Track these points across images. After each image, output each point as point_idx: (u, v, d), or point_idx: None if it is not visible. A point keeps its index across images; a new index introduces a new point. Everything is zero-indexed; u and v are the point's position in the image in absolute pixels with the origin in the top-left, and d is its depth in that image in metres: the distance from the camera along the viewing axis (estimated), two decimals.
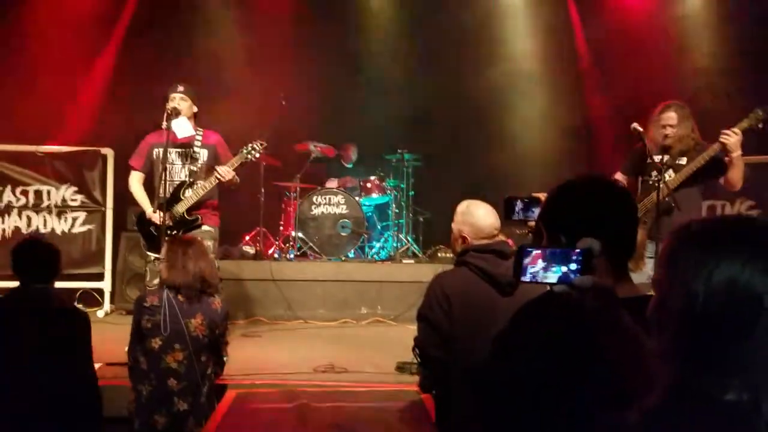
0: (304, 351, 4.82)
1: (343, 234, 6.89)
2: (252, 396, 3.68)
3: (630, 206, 1.62)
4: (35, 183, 6.42)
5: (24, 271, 3.12)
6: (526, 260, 1.28)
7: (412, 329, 2.89)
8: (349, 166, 7.81)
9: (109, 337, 4.34)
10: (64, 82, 7.06)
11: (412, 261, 6.92)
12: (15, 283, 3.17)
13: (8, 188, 6.36)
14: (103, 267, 6.43)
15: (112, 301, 6.42)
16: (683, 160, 4.38)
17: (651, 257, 3.73)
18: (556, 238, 1.50)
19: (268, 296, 6.21)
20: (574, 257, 1.24)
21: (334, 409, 3.43)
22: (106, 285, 6.40)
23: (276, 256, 6.83)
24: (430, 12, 7.92)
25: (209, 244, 4.41)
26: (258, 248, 6.86)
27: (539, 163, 7.47)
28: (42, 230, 6.32)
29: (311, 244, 6.81)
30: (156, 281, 4.40)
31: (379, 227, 7.49)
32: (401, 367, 4.18)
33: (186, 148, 4.74)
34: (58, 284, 3.40)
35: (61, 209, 6.43)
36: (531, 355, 1.45)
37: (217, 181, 4.60)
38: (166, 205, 4.49)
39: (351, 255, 6.92)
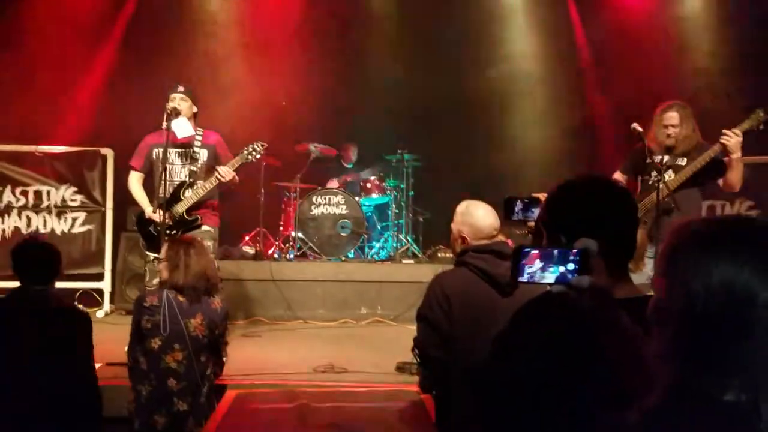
0: (304, 351, 4.82)
1: (342, 234, 6.89)
2: (252, 396, 3.67)
3: (630, 206, 1.62)
4: (35, 183, 6.42)
5: (24, 271, 3.12)
6: (524, 260, 1.28)
7: (412, 329, 2.89)
8: (349, 166, 7.81)
9: (109, 337, 4.33)
10: (63, 82, 7.06)
11: (411, 261, 6.92)
12: (15, 284, 3.17)
13: (8, 188, 6.36)
14: (103, 267, 6.43)
15: (111, 302, 6.42)
16: (683, 161, 4.38)
17: (651, 257, 3.73)
18: (556, 238, 1.50)
19: (268, 296, 6.21)
20: (572, 257, 1.24)
21: (334, 409, 3.43)
22: (105, 285, 6.40)
23: (276, 256, 6.83)
24: (431, 12, 7.92)
25: (209, 244, 4.41)
26: (258, 248, 6.86)
27: (539, 163, 7.47)
28: (42, 230, 6.31)
29: (311, 244, 6.81)
30: (155, 281, 4.39)
31: (378, 227, 7.49)
32: (401, 368, 4.18)
33: (186, 148, 4.74)
34: (58, 284, 3.40)
35: (61, 209, 6.43)
36: (531, 355, 1.45)
37: (217, 181, 4.61)
38: (166, 205, 4.49)
39: (351, 255, 6.92)
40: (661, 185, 4.21)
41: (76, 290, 6.26)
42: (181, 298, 3.44)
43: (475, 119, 7.80)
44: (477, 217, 2.85)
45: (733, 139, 4.10)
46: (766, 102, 4.25)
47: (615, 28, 7.51)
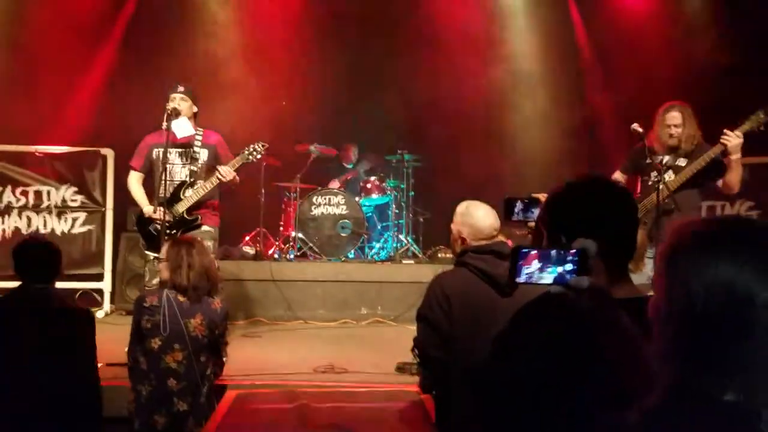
0: (304, 351, 4.82)
1: (343, 234, 6.89)
2: (252, 396, 3.67)
3: (630, 206, 1.62)
4: (35, 183, 6.42)
5: (25, 270, 3.12)
6: (521, 261, 1.28)
7: (412, 330, 2.89)
8: (350, 166, 7.82)
9: (109, 338, 4.33)
10: (64, 82, 7.07)
11: (412, 261, 6.93)
12: (15, 284, 3.17)
13: (8, 189, 6.37)
14: (103, 267, 6.43)
15: (112, 302, 6.42)
16: (683, 161, 4.38)
17: (651, 258, 3.74)
18: (556, 238, 1.50)
19: (268, 297, 6.21)
20: (570, 258, 1.24)
21: (334, 409, 3.43)
22: (105, 285, 6.40)
23: (276, 256, 6.83)
24: (431, 12, 7.92)
25: (209, 244, 4.40)
26: (258, 248, 6.86)
27: (539, 163, 7.48)
28: (42, 231, 6.31)
29: (311, 244, 6.81)
30: (155, 281, 4.40)
31: (379, 228, 7.49)
32: (401, 368, 4.18)
33: (186, 148, 4.75)
34: (58, 285, 3.40)
35: (61, 210, 6.43)
36: (530, 355, 1.45)
37: (218, 181, 4.61)
38: (166, 204, 4.49)
39: (351, 255, 6.92)
40: (661, 186, 4.21)
41: (76, 290, 6.26)
42: (181, 298, 3.44)
43: (475, 119, 7.80)
44: (477, 217, 2.85)
45: (733, 140, 4.10)
46: (767, 103, 4.25)
47: (615, 27, 7.51)
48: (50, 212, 6.41)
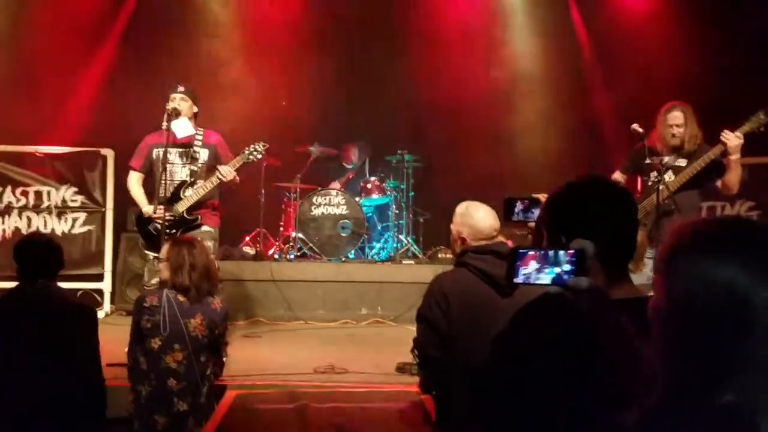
0: (305, 352, 4.82)
1: (343, 235, 6.89)
2: (252, 396, 3.68)
3: (630, 207, 1.62)
4: (35, 184, 6.42)
5: (27, 267, 3.12)
6: (519, 262, 1.28)
7: (412, 330, 2.89)
8: (350, 166, 7.81)
9: (109, 338, 4.31)
10: (64, 82, 7.07)
11: (412, 262, 6.92)
12: (16, 284, 3.17)
13: (8, 189, 6.37)
14: (103, 268, 6.43)
15: (112, 302, 6.42)
16: (682, 162, 4.38)
17: (651, 258, 3.74)
18: (556, 239, 1.50)
19: (269, 297, 6.21)
20: (567, 258, 1.24)
21: (335, 409, 3.43)
22: (106, 286, 6.41)
23: (276, 256, 6.83)
24: (431, 12, 7.92)
25: (209, 244, 4.40)
26: (258, 249, 6.86)
27: (539, 163, 7.47)
28: (42, 231, 6.31)
29: (311, 244, 6.81)
30: (154, 281, 4.40)
31: (379, 228, 7.49)
32: (401, 368, 4.18)
33: (186, 147, 4.75)
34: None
35: (61, 210, 6.43)
36: (530, 355, 1.45)
37: (218, 181, 4.61)
38: (166, 204, 4.50)
39: (351, 256, 6.92)
40: (661, 187, 4.21)
41: (76, 291, 6.25)
42: (181, 298, 3.44)
43: (475, 119, 7.79)
44: (477, 218, 2.85)
45: (733, 141, 4.10)
46: (767, 103, 4.25)
47: (615, 27, 7.51)
48: (50, 212, 6.41)
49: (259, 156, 4.73)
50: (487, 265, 2.70)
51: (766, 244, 1.02)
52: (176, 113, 4.59)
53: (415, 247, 7.20)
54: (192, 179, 4.71)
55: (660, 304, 1.07)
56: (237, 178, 4.69)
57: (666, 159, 4.35)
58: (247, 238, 7.14)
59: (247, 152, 4.69)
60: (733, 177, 4.23)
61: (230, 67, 7.50)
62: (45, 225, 6.37)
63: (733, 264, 0.99)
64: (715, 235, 1.05)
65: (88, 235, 6.46)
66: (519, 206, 2.09)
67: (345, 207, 6.93)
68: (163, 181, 4.45)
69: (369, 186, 7.34)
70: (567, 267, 1.24)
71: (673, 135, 4.36)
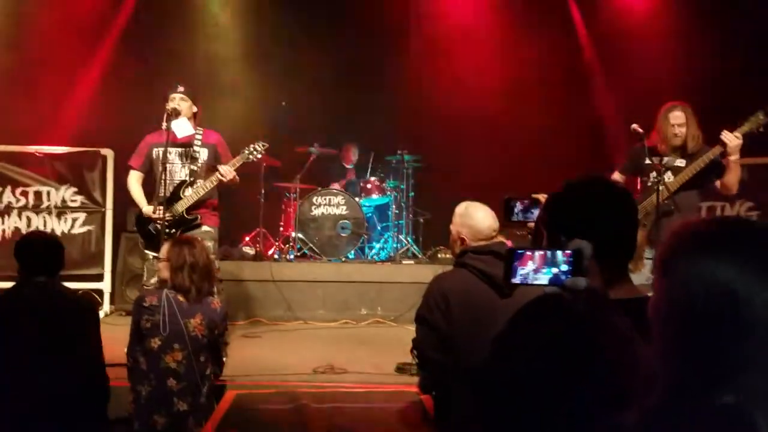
0: (304, 352, 4.82)
1: (343, 235, 6.89)
2: (252, 396, 3.68)
3: (630, 207, 1.62)
4: (35, 184, 6.41)
5: (27, 265, 3.12)
6: (516, 262, 1.28)
7: (412, 330, 2.89)
8: (350, 167, 7.82)
9: (109, 338, 4.31)
10: (64, 82, 7.07)
11: (412, 262, 6.93)
12: (15, 283, 3.18)
13: (8, 189, 6.36)
14: (103, 268, 6.42)
15: (111, 302, 6.42)
16: (682, 162, 4.38)
17: (650, 259, 3.73)
18: (556, 239, 1.50)
19: (268, 297, 6.21)
20: (565, 259, 1.24)
21: (334, 410, 3.43)
22: (105, 286, 6.40)
23: (276, 256, 6.83)
24: (431, 12, 7.92)
25: (209, 244, 4.40)
26: (258, 249, 6.86)
27: (539, 163, 7.46)
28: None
29: (311, 244, 6.81)
30: (153, 280, 4.40)
31: (379, 228, 7.49)
32: (401, 368, 4.18)
33: (186, 147, 4.75)
34: None
35: (61, 210, 6.43)
36: (530, 355, 1.45)
37: (218, 180, 4.61)
38: (166, 203, 4.50)
39: (351, 256, 6.92)
40: (660, 187, 4.21)
41: (75, 291, 6.24)
42: (180, 298, 3.44)
43: (475, 120, 7.79)
44: (476, 218, 2.86)
45: (732, 141, 4.10)
46: (767, 103, 4.25)
47: (616, 27, 7.51)
48: (50, 213, 6.41)
49: (259, 155, 4.74)
50: (486, 266, 2.70)
51: (766, 245, 1.02)
52: (176, 113, 4.59)
53: (414, 247, 7.20)
54: (191, 179, 4.71)
55: (660, 305, 1.07)
56: (237, 177, 4.69)
57: (665, 159, 4.34)
58: (247, 238, 7.14)
59: (246, 152, 4.70)
60: (733, 177, 4.23)
61: (230, 67, 7.50)
62: (45, 225, 6.36)
63: (733, 264, 0.99)
64: (715, 236, 1.05)
65: (88, 235, 6.46)
66: (519, 206, 2.10)
67: (345, 207, 6.93)
68: (162, 181, 4.45)
69: (369, 186, 7.34)
70: (564, 267, 1.24)
71: (676, 135, 4.35)
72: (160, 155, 4.55)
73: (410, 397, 3.60)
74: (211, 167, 4.76)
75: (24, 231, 6.28)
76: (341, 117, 7.75)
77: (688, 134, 4.34)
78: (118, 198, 6.34)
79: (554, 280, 1.24)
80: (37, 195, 6.41)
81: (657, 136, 4.42)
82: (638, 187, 4.55)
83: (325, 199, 6.98)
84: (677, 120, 4.36)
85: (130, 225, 6.21)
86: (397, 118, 7.70)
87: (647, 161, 4.37)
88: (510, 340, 1.55)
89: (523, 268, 1.27)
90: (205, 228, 4.69)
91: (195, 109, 4.82)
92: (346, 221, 6.89)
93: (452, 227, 2.93)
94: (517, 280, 1.28)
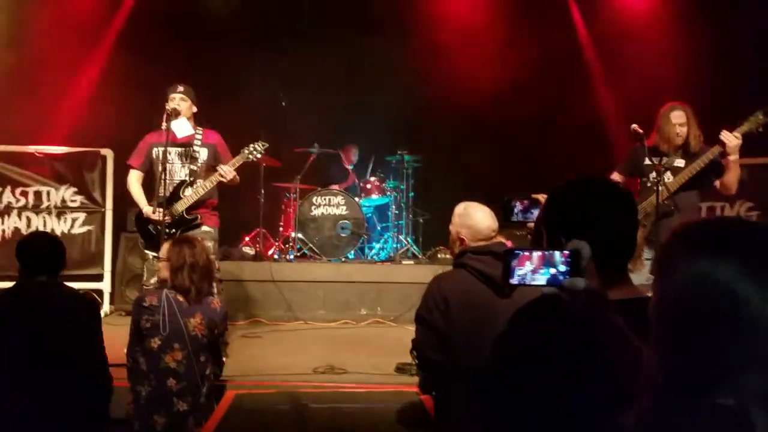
0: (304, 352, 4.82)
1: (342, 235, 6.90)
2: (252, 397, 3.68)
3: (630, 207, 1.61)
4: (35, 184, 6.42)
5: (28, 264, 3.12)
6: (514, 262, 1.28)
7: (412, 330, 2.89)
8: (350, 167, 7.82)
9: (109, 338, 4.31)
10: (63, 82, 7.07)
11: (411, 262, 6.93)
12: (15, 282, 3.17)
13: (8, 189, 6.37)
14: (103, 268, 6.43)
15: (111, 302, 6.42)
16: (681, 162, 4.38)
17: (649, 259, 3.73)
18: (556, 239, 1.50)
19: (268, 297, 6.21)
20: (563, 259, 1.24)
21: (334, 410, 3.43)
22: (105, 286, 6.40)
23: (276, 257, 6.83)
24: (431, 11, 7.92)
25: (209, 245, 4.40)
26: (258, 249, 6.86)
27: (539, 163, 7.46)
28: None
29: (311, 245, 6.81)
30: (153, 280, 4.40)
31: (378, 228, 7.49)
32: (401, 369, 4.18)
33: (186, 147, 4.75)
34: None
35: (61, 210, 6.43)
36: (530, 355, 1.45)
37: (218, 180, 4.61)
38: (166, 203, 4.49)
39: (351, 256, 6.92)
40: (660, 187, 4.21)
41: (77, 290, 6.23)
42: (180, 298, 3.44)
43: (475, 120, 7.80)
44: (475, 218, 2.85)
45: (732, 141, 4.09)
46: (766, 103, 4.25)
47: (616, 27, 7.51)
48: (50, 213, 6.41)
49: (259, 155, 4.74)
50: (485, 266, 2.70)
51: (766, 244, 1.01)
52: (176, 113, 4.58)
53: (414, 247, 7.20)
54: (191, 179, 4.71)
55: (660, 305, 1.07)
56: (237, 177, 4.69)
57: (665, 159, 4.34)
58: (247, 238, 7.14)
59: (246, 151, 4.70)
60: (732, 177, 4.22)
61: (230, 67, 7.49)
62: (44, 225, 6.37)
63: (733, 264, 0.98)
64: (715, 236, 1.05)
65: (88, 235, 6.46)
66: (518, 207, 2.09)
67: (345, 207, 6.93)
68: (162, 181, 4.45)
69: (369, 186, 7.34)
70: (562, 268, 1.24)
71: (677, 134, 4.35)
72: (160, 155, 4.55)
73: (410, 397, 3.60)
74: (210, 167, 4.76)
75: (24, 231, 6.29)
76: (341, 117, 7.75)
77: (689, 134, 4.34)
78: (118, 198, 6.34)
79: (552, 281, 1.24)
80: (37, 195, 6.41)
81: (657, 136, 4.42)
82: (638, 188, 4.55)
83: (324, 199, 6.98)
84: (679, 120, 4.35)
85: (130, 225, 6.21)
86: (397, 118, 7.70)
87: (647, 161, 4.36)
88: (509, 340, 1.55)
89: (521, 269, 1.27)
90: (205, 228, 4.69)
91: (195, 109, 4.82)
92: (346, 221, 6.89)
93: (451, 227, 2.93)
94: (515, 280, 1.28)
